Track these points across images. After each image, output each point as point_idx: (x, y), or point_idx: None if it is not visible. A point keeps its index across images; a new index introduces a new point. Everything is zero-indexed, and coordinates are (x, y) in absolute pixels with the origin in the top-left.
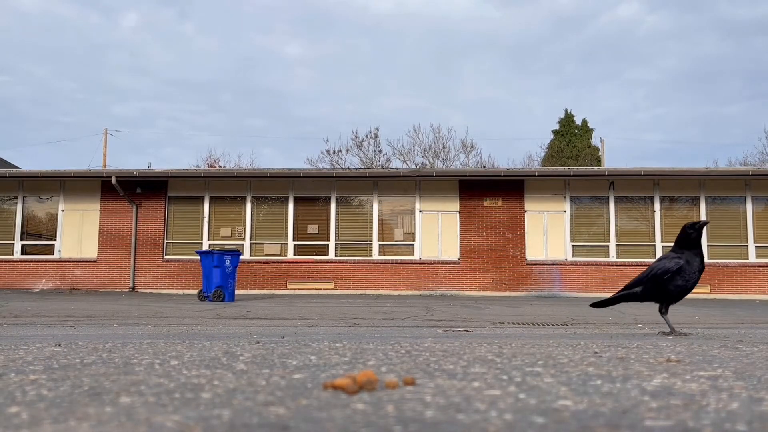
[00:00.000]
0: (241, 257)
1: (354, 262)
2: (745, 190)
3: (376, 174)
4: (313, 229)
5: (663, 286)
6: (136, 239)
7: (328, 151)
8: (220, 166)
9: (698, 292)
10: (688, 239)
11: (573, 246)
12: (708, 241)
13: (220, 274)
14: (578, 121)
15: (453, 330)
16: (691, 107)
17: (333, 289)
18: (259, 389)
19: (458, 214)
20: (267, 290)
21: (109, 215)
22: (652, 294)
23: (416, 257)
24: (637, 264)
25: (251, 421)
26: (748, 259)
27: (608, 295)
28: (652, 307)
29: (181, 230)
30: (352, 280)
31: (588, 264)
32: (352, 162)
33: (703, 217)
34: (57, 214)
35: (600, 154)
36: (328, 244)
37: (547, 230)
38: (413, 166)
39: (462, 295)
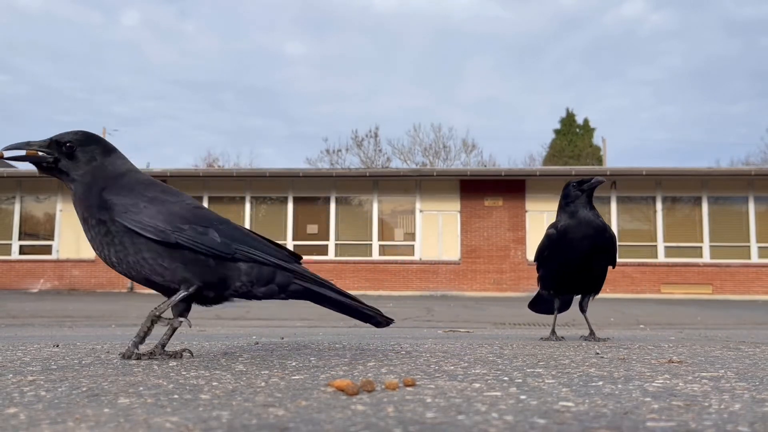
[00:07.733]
0: None
1: (354, 263)
2: (748, 189)
3: (376, 173)
4: (312, 229)
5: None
6: None
7: (327, 151)
8: (219, 166)
9: (700, 293)
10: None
11: None
12: (710, 241)
13: None
14: (579, 120)
15: (453, 331)
16: (695, 106)
17: None
18: (258, 390)
19: (459, 214)
20: None
21: None
22: (554, 283)
23: (416, 257)
24: (638, 264)
25: (250, 423)
26: (750, 259)
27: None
28: (652, 307)
29: None
30: (351, 280)
31: None
32: (352, 161)
33: (705, 218)
34: (55, 214)
35: (602, 153)
36: (327, 244)
37: None
38: (413, 166)
39: (463, 296)
